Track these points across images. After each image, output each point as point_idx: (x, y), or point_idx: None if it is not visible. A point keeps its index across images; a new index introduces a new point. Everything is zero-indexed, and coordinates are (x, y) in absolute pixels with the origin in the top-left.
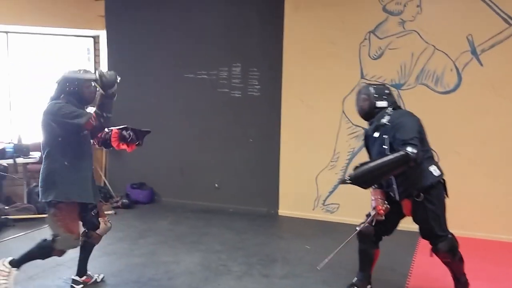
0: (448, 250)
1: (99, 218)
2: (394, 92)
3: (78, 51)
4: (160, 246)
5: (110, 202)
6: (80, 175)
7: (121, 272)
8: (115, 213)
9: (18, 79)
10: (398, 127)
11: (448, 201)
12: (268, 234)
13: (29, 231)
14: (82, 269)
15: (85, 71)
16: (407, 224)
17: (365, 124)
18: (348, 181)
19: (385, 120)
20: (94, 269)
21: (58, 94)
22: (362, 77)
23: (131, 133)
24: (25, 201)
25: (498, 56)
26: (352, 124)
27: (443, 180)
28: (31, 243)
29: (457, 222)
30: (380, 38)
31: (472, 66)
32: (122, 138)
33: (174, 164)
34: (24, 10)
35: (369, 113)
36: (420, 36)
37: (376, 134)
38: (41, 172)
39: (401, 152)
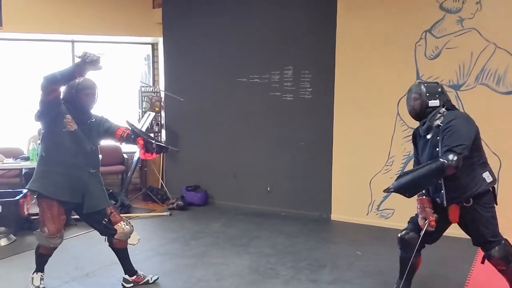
0: (501, 256)
1: (116, 224)
2: (452, 92)
3: (138, 57)
4: (211, 247)
5: (166, 204)
6: (55, 170)
7: (171, 272)
8: (171, 214)
9: None
10: (448, 130)
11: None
12: (319, 239)
13: (89, 231)
14: (128, 269)
15: (85, 79)
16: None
17: None
18: (391, 190)
19: (438, 121)
20: (148, 269)
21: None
22: (418, 78)
23: (154, 147)
24: None
25: None
26: (408, 126)
27: (493, 187)
28: (90, 241)
29: None
30: (437, 37)
31: None
32: (146, 150)
33: (228, 167)
34: (88, 20)
35: (421, 113)
36: (480, 34)
37: (429, 136)
38: None
39: (439, 160)
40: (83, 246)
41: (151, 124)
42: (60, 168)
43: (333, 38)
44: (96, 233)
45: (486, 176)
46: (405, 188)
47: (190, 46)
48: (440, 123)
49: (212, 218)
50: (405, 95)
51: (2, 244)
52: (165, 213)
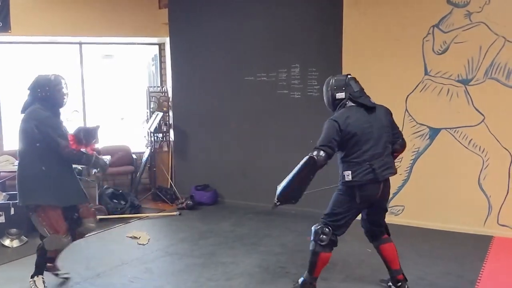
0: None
1: (84, 219)
2: (461, 87)
3: (145, 58)
4: (221, 247)
5: (175, 203)
6: (57, 181)
7: (180, 272)
8: (180, 214)
9: (91, 86)
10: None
11: None
12: None
13: (100, 231)
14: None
15: (55, 76)
16: (479, 228)
17: (431, 122)
18: (278, 204)
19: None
20: (157, 268)
21: (32, 100)
22: (426, 73)
23: (82, 134)
24: (97, 203)
25: None
26: (417, 122)
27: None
28: (101, 242)
29: None
30: (445, 32)
31: None
32: (79, 141)
33: (236, 166)
34: (95, 22)
35: (330, 105)
36: (489, 28)
37: None
38: (17, 176)
39: (306, 157)
40: (94, 247)
41: (159, 124)
42: (61, 178)
43: (340, 34)
44: (107, 234)
45: (347, 175)
46: (288, 197)
47: (197, 45)
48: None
49: (222, 217)
50: (413, 91)
51: (14, 245)
52: (175, 213)
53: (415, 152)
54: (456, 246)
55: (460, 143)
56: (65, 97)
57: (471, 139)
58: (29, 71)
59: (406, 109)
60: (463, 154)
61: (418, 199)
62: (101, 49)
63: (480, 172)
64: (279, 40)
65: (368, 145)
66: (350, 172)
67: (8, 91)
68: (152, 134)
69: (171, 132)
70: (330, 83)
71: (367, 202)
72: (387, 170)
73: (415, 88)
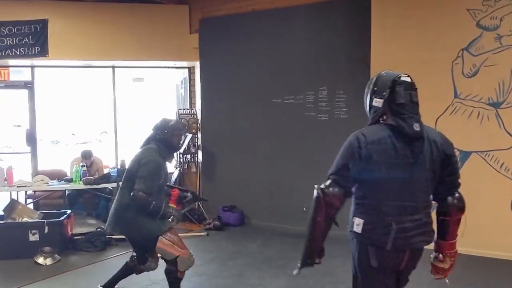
0: None
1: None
2: (492, 110)
3: (174, 81)
4: (248, 268)
5: (203, 224)
6: (143, 215)
7: None
8: (207, 235)
9: (122, 107)
10: None
11: None
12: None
13: (129, 251)
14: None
15: (176, 121)
16: (507, 253)
17: (461, 146)
18: (300, 268)
19: None
20: None
21: (150, 139)
22: (456, 96)
23: (189, 196)
24: None
25: None
26: None
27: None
28: None
29: None
30: (474, 55)
31: None
32: (179, 200)
33: (263, 187)
34: (127, 47)
35: (367, 111)
36: None
37: None
38: (114, 204)
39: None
40: None
41: (188, 145)
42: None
43: (368, 57)
44: None
45: (356, 223)
46: (308, 254)
47: (226, 68)
48: None
49: (249, 238)
50: (443, 113)
51: (48, 263)
52: (202, 233)
53: None
54: (490, 272)
55: (492, 166)
56: (181, 142)
57: (503, 163)
58: (65, 94)
59: None
60: (495, 178)
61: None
62: (131, 73)
63: None
64: (307, 63)
65: (397, 192)
66: (362, 221)
67: (45, 113)
68: (181, 155)
69: (199, 153)
70: (373, 80)
71: (387, 270)
72: (420, 237)
73: (444, 111)
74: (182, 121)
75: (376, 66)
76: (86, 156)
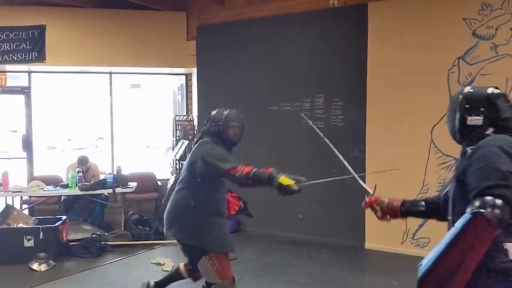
0: None
1: None
2: None
3: (171, 87)
4: (246, 275)
5: None
6: (214, 221)
7: None
8: None
9: (119, 113)
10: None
11: None
12: (354, 268)
13: (124, 257)
14: None
15: (231, 111)
16: None
17: (457, 153)
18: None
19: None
20: None
21: (204, 132)
22: None
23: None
24: (122, 228)
25: None
26: (442, 154)
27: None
28: (127, 268)
29: None
30: (470, 64)
31: None
32: (238, 212)
33: (259, 194)
34: (125, 53)
35: (456, 133)
36: None
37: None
38: (169, 204)
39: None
40: (119, 273)
41: (185, 152)
42: (218, 219)
43: (365, 65)
44: (132, 260)
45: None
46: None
47: (223, 75)
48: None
49: (245, 245)
50: (438, 122)
51: (42, 269)
52: None
53: (441, 184)
54: None
55: None
56: (237, 133)
57: None
58: (62, 99)
59: (432, 140)
60: None
61: (444, 231)
62: (128, 79)
63: None
64: (303, 70)
65: None
66: None
67: (42, 118)
68: (177, 162)
69: None
70: (459, 99)
71: None
72: None
73: (440, 120)
74: (179, 127)
75: (373, 74)
76: (83, 161)
